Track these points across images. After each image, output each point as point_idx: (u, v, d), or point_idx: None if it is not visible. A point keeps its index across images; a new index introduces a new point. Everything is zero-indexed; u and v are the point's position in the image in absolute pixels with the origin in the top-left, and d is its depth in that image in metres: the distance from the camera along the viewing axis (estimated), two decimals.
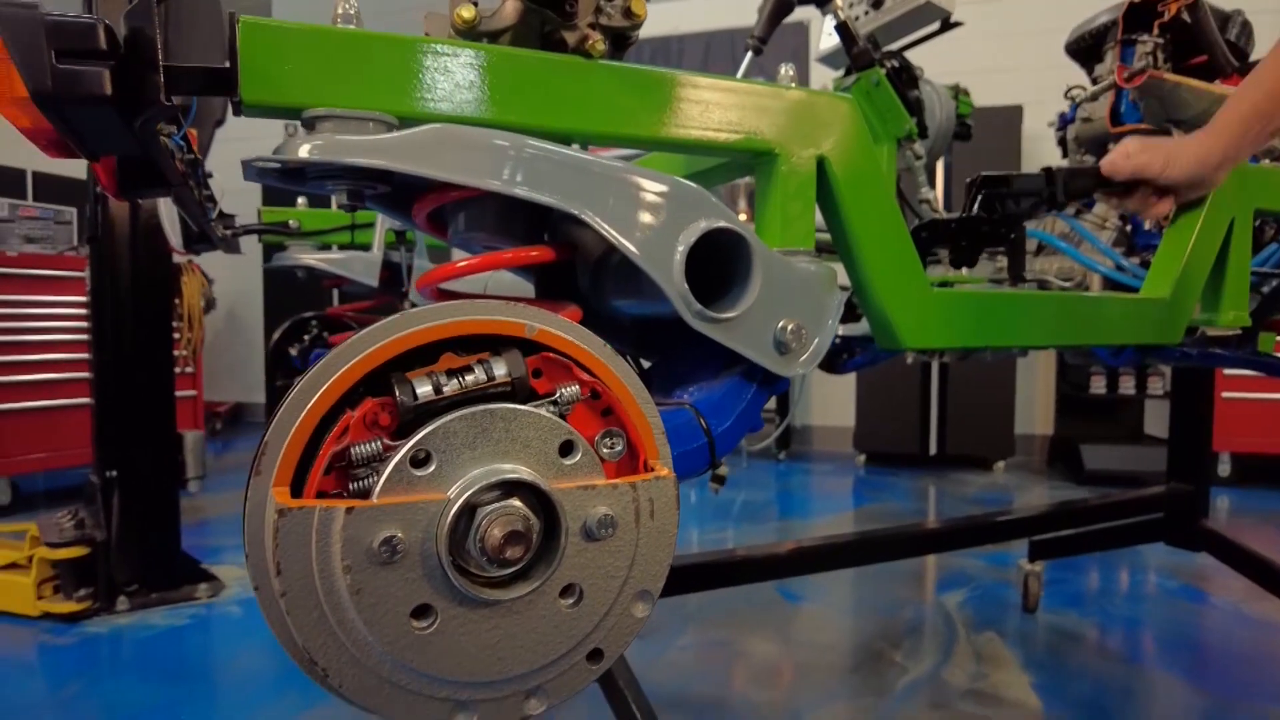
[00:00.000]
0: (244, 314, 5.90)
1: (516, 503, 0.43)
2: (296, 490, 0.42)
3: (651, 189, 0.68)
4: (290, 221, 1.58)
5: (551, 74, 0.70)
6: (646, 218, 0.67)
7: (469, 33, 0.68)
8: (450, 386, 0.44)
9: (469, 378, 0.45)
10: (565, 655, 0.46)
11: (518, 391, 0.46)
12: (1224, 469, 3.94)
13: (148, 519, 2.45)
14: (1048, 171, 1.09)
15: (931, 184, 2.53)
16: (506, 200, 0.65)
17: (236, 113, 0.63)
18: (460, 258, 0.71)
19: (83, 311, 3.65)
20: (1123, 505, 2.19)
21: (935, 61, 1.70)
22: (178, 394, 2.62)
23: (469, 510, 0.43)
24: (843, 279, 0.90)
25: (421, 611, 0.42)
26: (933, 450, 4.44)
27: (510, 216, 0.68)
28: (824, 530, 3.32)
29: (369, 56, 0.64)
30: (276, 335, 1.77)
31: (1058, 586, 2.52)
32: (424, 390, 0.44)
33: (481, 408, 0.44)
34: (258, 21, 0.62)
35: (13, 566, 2.47)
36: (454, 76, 0.66)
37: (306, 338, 1.77)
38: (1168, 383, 4.11)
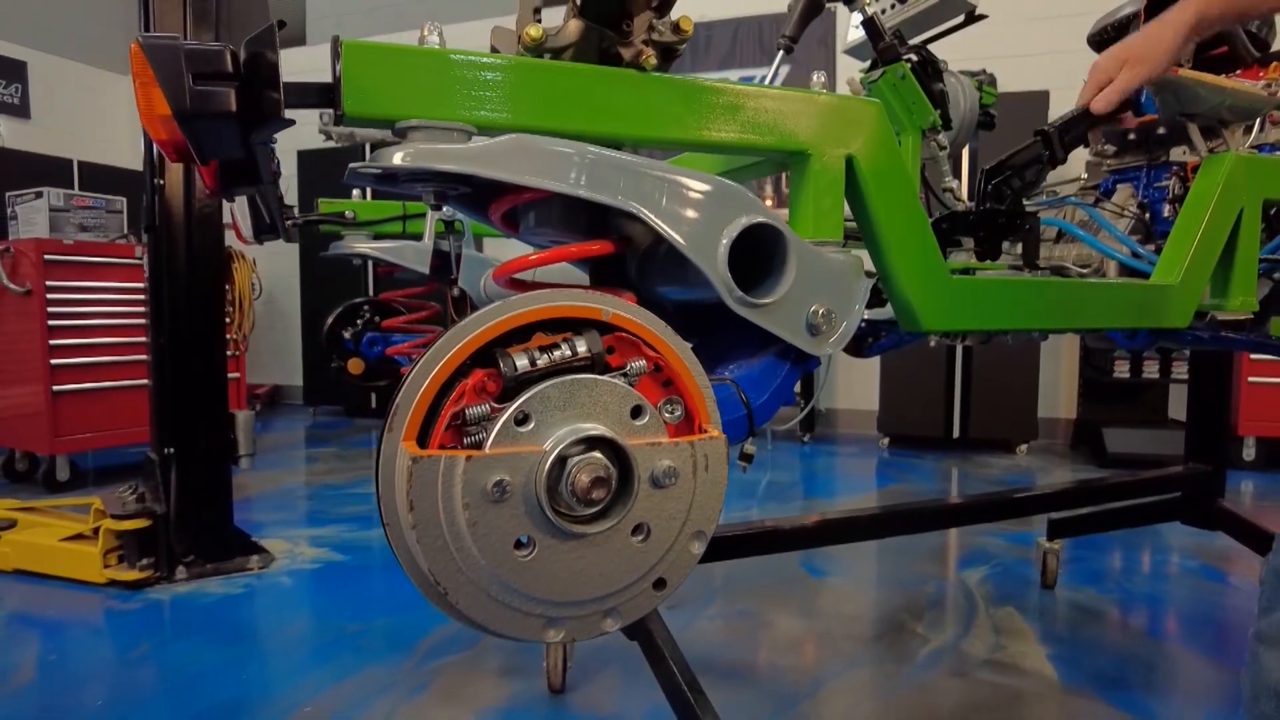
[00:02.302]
0: (282, 299, 6.07)
1: (598, 455, 0.53)
2: (421, 443, 0.52)
3: (698, 188, 0.77)
4: (347, 212, 1.69)
5: (609, 86, 0.79)
6: (693, 214, 0.75)
7: (535, 49, 0.77)
8: (543, 360, 0.54)
9: (557, 353, 0.55)
10: (635, 582, 0.56)
11: (596, 364, 0.56)
12: (1249, 453, 3.96)
13: (203, 494, 2.59)
14: (1042, 134, 1.14)
15: (956, 173, 2.59)
16: (570, 199, 0.74)
17: (338, 123, 0.72)
18: (522, 251, 0.80)
19: (134, 297, 3.81)
20: (1140, 484, 2.25)
21: (962, 47, 1.75)
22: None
23: (561, 460, 0.52)
24: (868, 265, 0.98)
25: (523, 542, 0.52)
26: (956, 433, 4.49)
27: (574, 214, 0.77)
28: (849, 509, 3.40)
29: (451, 73, 0.73)
30: (330, 320, 1.88)
31: (1077, 565, 2.59)
32: (522, 363, 0.53)
33: (569, 378, 0.53)
34: (357, 44, 0.71)
35: (79, 537, 2.63)
36: (524, 90, 0.75)
37: (360, 321, 1.88)
38: None
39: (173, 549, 2.54)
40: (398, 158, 0.69)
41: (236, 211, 1.43)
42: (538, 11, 0.78)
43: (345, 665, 1.91)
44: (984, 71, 1.89)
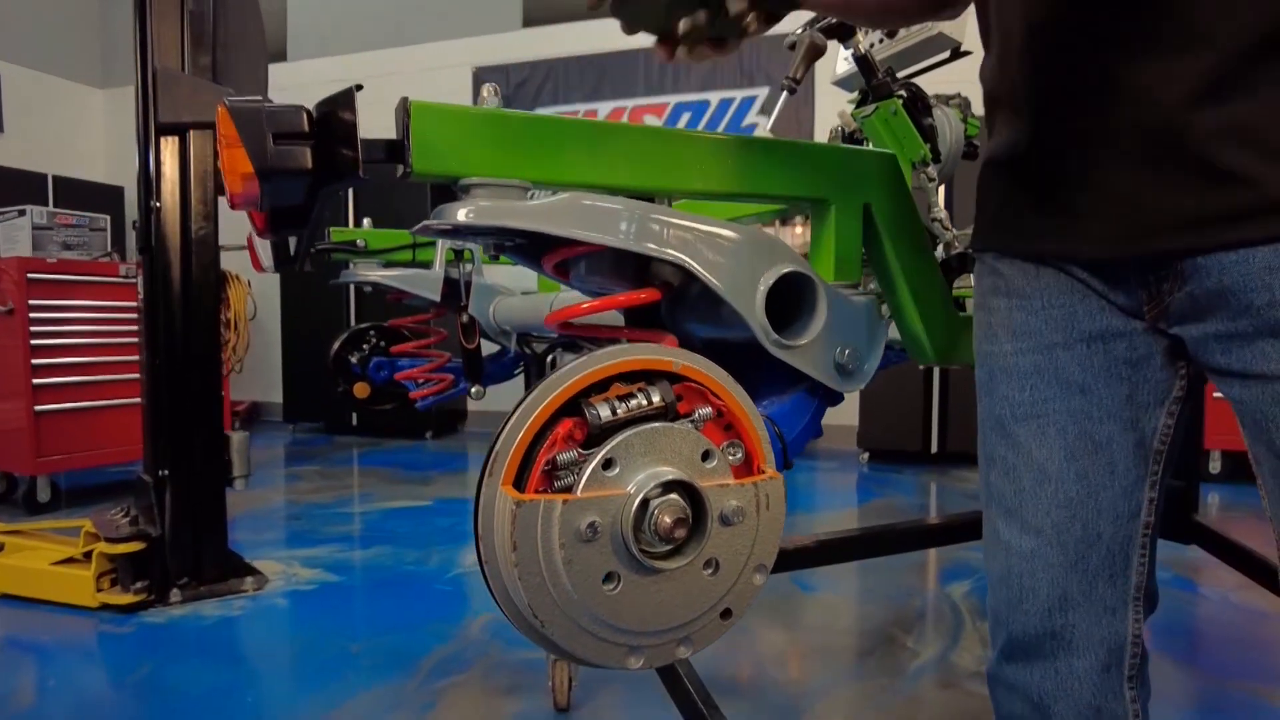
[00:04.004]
0: (263, 316, 6.02)
1: (676, 496, 0.58)
2: (517, 487, 0.57)
3: (735, 239, 0.82)
4: (358, 241, 1.72)
5: (650, 143, 0.85)
6: (732, 263, 0.81)
7: None
8: (622, 409, 0.59)
9: (634, 402, 0.60)
10: (706, 613, 0.61)
11: (669, 412, 0.61)
12: (1215, 466, 4.11)
13: (198, 515, 2.59)
14: None
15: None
16: (618, 250, 0.79)
17: (403, 178, 0.77)
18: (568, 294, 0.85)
19: (118, 315, 3.78)
20: None
21: (948, 72, 1.80)
22: None
23: (644, 502, 0.57)
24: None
25: (610, 577, 0.57)
26: (934, 448, 4.60)
27: (621, 264, 0.83)
28: (832, 524, 3.48)
29: (509, 133, 0.78)
30: (337, 344, 1.91)
31: None
32: (605, 413, 0.58)
33: (649, 425, 0.59)
34: (424, 105, 0.76)
35: (69, 561, 2.61)
36: (574, 147, 0.81)
37: (366, 347, 1.91)
38: None
39: (167, 572, 2.54)
40: (462, 215, 0.74)
41: (257, 243, 1.46)
42: None
43: (351, 685, 1.93)
44: (959, 95, 1.98)
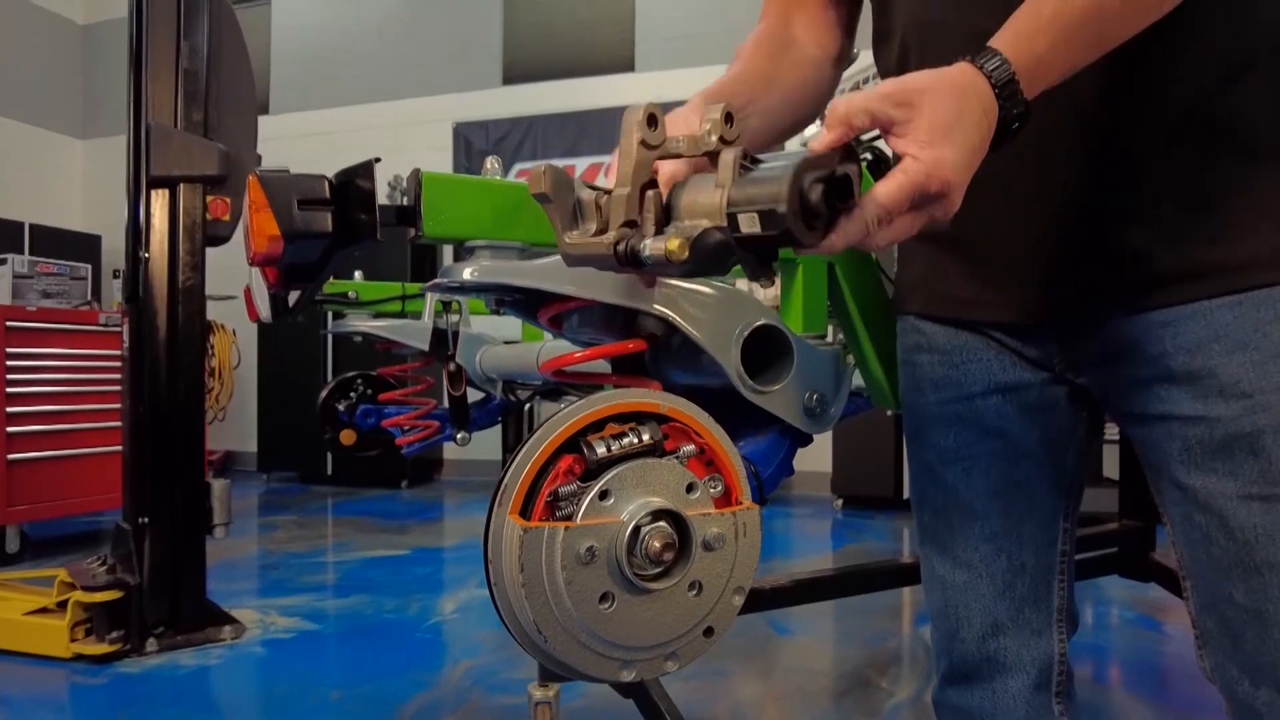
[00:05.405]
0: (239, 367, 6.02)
1: (664, 524, 0.65)
2: (523, 516, 0.64)
3: (713, 296, 0.91)
4: (350, 293, 1.80)
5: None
6: (712, 318, 0.90)
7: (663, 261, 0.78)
8: (616, 447, 0.67)
9: (626, 440, 0.67)
10: (691, 630, 0.68)
11: (656, 449, 0.69)
12: None
13: (178, 563, 2.59)
14: None
15: None
16: (608, 305, 0.87)
17: (414, 241, 0.85)
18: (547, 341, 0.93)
19: (96, 364, 3.79)
20: (1079, 541, 2.44)
21: None
22: None
23: (636, 529, 0.65)
24: None
25: (606, 597, 0.64)
26: (906, 494, 4.69)
27: (610, 317, 0.91)
28: (808, 570, 3.53)
29: (508, 201, 0.87)
30: (324, 393, 1.97)
31: None
32: (601, 450, 0.66)
33: (640, 461, 0.66)
34: (435, 176, 0.84)
35: (42, 611, 2.58)
36: None
37: (353, 394, 1.97)
38: None
39: (144, 621, 2.52)
40: (468, 274, 0.82)
41: (255, 293, 1.53)
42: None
43: None
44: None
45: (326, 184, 0.81)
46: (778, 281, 1.42)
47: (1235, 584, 0.69)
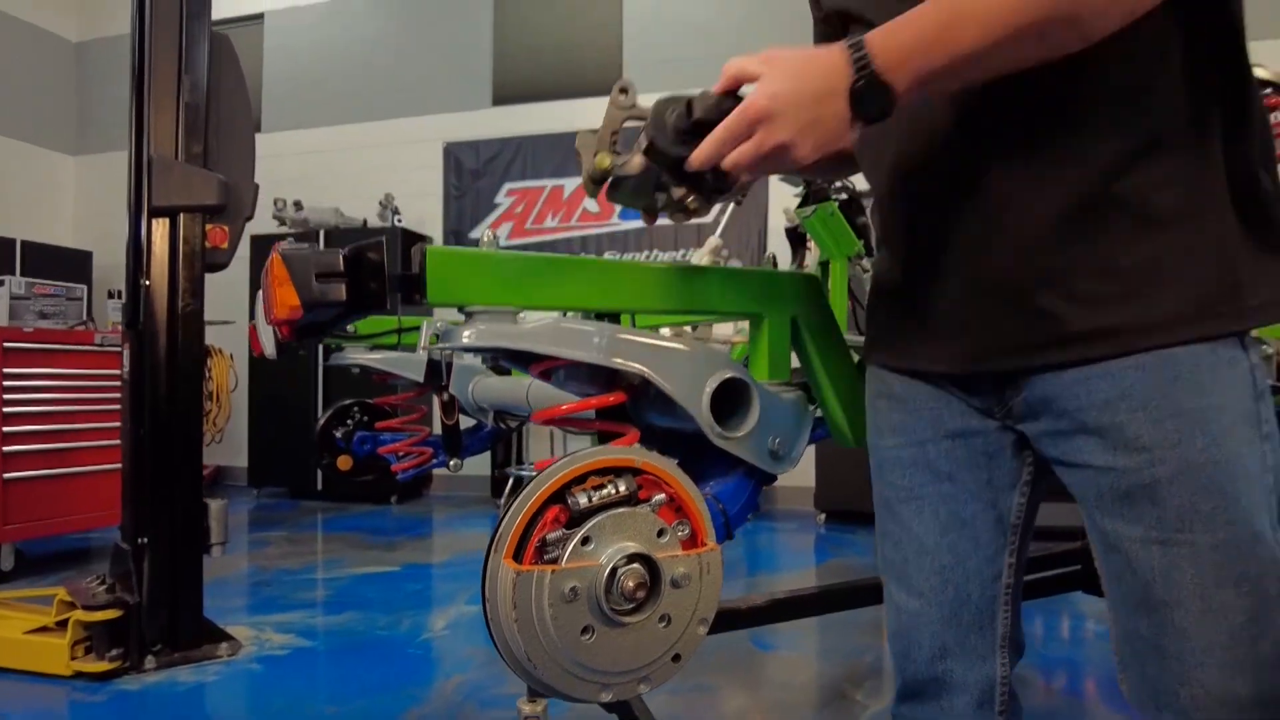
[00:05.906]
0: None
1: (637, 566, 0.76)
2: (516, 559, 0.74)
3: (684, 353, 1.02)
4: (349, 327, 1.89)
5: (613, 274, 1.04)
6: (683, 372, 1.00)
7: (601, 176, 0.86)
8: (596, 498, 0.77)
9: (604, 491, 0.78)
10: (660, 657, 0.79)
11: (631, 499, 0.79)
12: None
13: (176, 582, 2.67)
14: None
15: None
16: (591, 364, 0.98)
17: (415, 302, 0.95)
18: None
19: (91, 384, 3.86)
20: (1044, 559, 2.56)
21: None
22: None
23: (613, 571, 0.75)
24: None
25: (587, 630, 0.75)
26: None
27: (594, 372, 1.02)
28: (791, 584, 3.63)
29: (503, 270, 0.97)
30: (323, 420, 2.06)
31: None
32: (584, 501, 0.77)
33: (617, 510, 0.77)
34: (437, 249, 0.95)
35: (42, 630, 2.65)
36: (554, 280, 1.00)
37: (350, 422, 2.06)
38: None
39: (143, 638, 2.59)
40: (466, 338, 0.93)
41: (261, 333, 1.62)
42: (615, 141, 0.87)
43: None
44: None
45: (341, 258, 0.91)
46: (745, 326, 1.52)
47: (1140, 619, 0.78)
